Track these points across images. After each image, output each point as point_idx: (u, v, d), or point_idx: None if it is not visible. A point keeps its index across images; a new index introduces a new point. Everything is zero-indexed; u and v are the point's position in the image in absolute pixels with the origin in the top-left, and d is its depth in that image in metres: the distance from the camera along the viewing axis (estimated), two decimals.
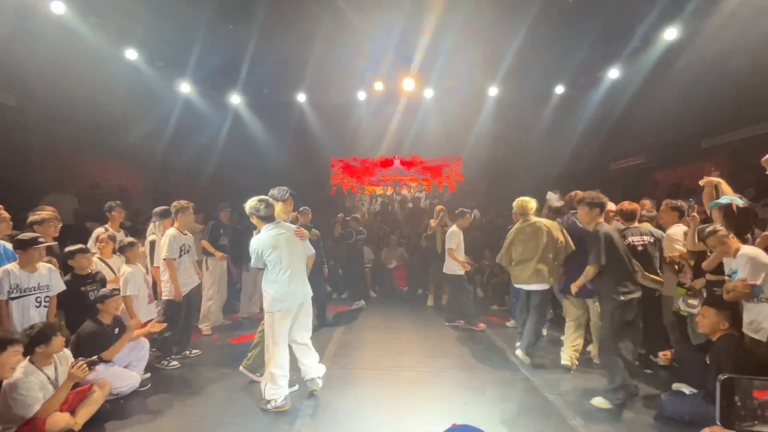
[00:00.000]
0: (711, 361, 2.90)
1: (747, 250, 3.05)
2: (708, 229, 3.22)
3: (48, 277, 3.41)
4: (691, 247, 3.70)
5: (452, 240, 5.61)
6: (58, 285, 3.52)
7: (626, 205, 4.16)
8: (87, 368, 2.85)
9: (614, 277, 3.34)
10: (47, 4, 5.33)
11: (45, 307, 3.39)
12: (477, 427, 2.02)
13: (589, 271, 3.44)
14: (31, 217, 3.79)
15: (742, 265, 3.01)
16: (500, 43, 7.40)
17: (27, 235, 3.36)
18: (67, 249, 3.85)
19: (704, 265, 3.45)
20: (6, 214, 3.67)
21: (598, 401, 3.33)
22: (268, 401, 3.27)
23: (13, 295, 3.20)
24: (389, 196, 11.85)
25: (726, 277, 3.19)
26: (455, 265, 5.60)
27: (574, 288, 3.67)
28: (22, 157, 6.68)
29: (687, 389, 3.28)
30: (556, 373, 4.03)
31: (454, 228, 5.70)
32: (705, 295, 3.52)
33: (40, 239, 3.32)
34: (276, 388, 3.27)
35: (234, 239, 6.03)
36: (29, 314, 3.26)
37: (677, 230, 4.02)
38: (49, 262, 3.56)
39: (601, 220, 3.59)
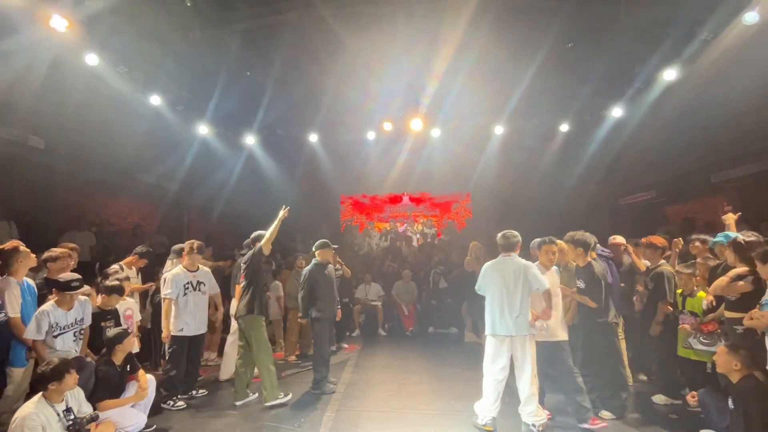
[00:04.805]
0: (735, 405, 2.74)
1: None
2: (761, 249, 2.94)
3: (81, 310, 3.61)
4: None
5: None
6: (90, 317, 3.72)
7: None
8: None
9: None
10: (82, 56, 5.74)
11: (80, 339, 3.61)
12: None
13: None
14: (45, 255, 3.94)
15: None
16: (505, 85, 7.71)
17: (65, 277, 3.53)
18: (105, 285, 4.01)
19: (718, 288, 3.24)
20: (27, 250, 3.79)
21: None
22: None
23: (54, 333, 3.38)
24: (399, 233, 11.87)
25: (758, 308, 2.92)
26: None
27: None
28: (45, 198, 6.96)
29: None
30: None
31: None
32: (723, 333, 3.39)
33: (74, 284, 3.50)
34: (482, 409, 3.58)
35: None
36: (70, 347, 3.48)
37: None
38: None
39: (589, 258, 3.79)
